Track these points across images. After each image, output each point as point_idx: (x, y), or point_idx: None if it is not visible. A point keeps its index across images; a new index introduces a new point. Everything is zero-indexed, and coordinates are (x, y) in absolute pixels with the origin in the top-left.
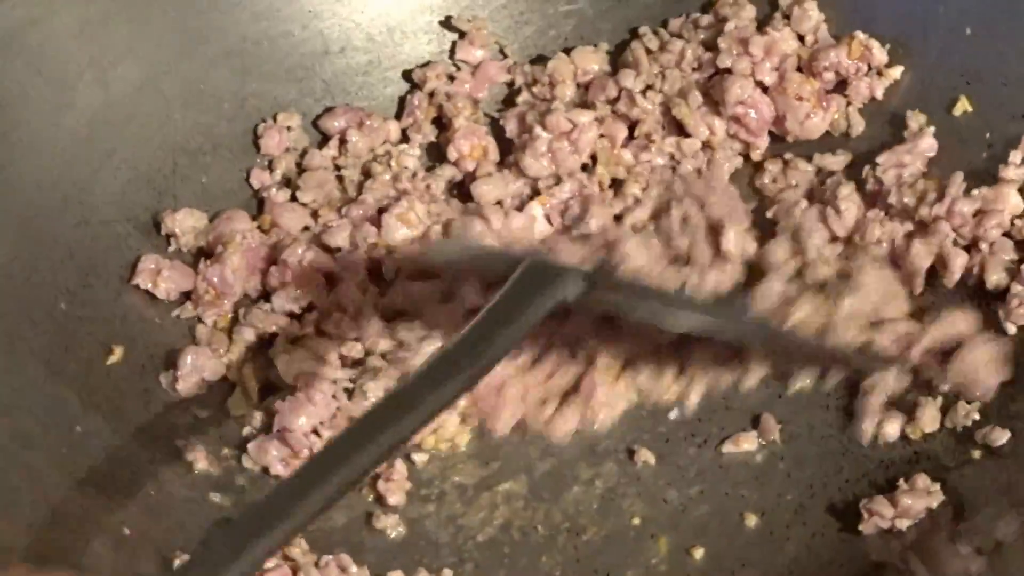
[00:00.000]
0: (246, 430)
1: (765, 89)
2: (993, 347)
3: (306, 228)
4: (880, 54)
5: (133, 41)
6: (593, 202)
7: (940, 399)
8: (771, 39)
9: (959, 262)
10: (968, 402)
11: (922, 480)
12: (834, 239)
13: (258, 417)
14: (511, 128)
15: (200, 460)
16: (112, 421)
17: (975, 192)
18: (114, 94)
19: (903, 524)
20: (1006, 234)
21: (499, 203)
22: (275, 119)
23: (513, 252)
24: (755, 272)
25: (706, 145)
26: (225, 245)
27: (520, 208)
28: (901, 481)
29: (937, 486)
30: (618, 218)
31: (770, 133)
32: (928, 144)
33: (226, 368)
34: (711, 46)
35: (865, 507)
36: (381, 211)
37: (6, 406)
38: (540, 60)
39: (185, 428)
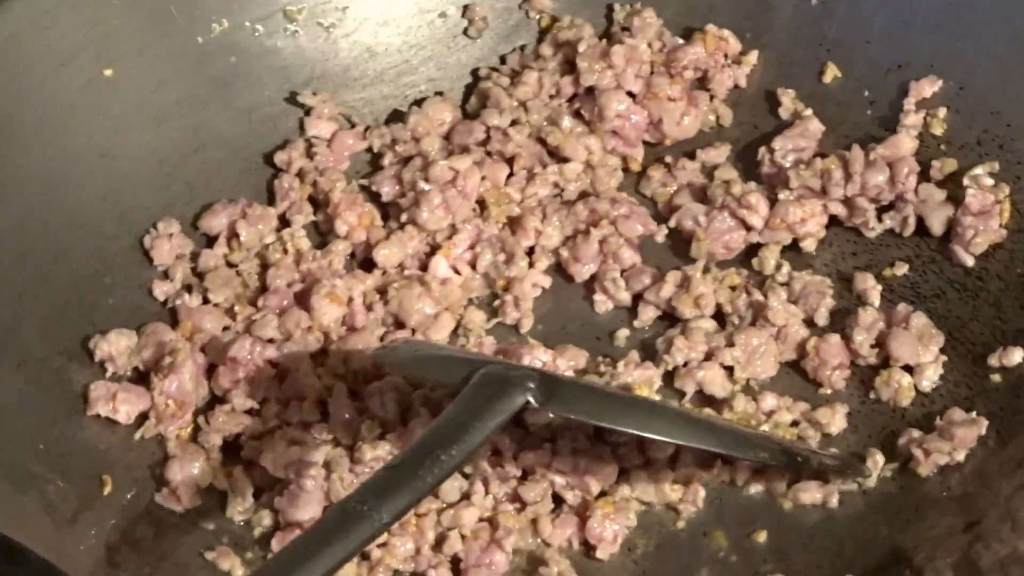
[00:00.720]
0: (257, 531)
1: (633, 98)
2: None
3: (227, 328)
4: (735, 43)
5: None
6: (509, 246)
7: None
8: (630, 47)
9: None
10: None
11: (958, 413)
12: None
13: (265, 515)
14: (387, 190)
15: (237, 568)
16: (136, 552)
17: (873, 155)
18: None
19: (960, 455)
20: (925, 177)
21: (400, 265)
22: (156, 228)
23: (467, 357)
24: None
25: (586, 165)
26: (173, 355)
27: (424, 265)
28: (938, 420)
29: (973, 414)
30: (529, 252)
31: (643, 141)
32: (816, 126)
33: (213, 476)
34: (564, 71)
35: (921, 448)
36: (299, 295)
37: None
38: (393, 119)
39: (205, 543)
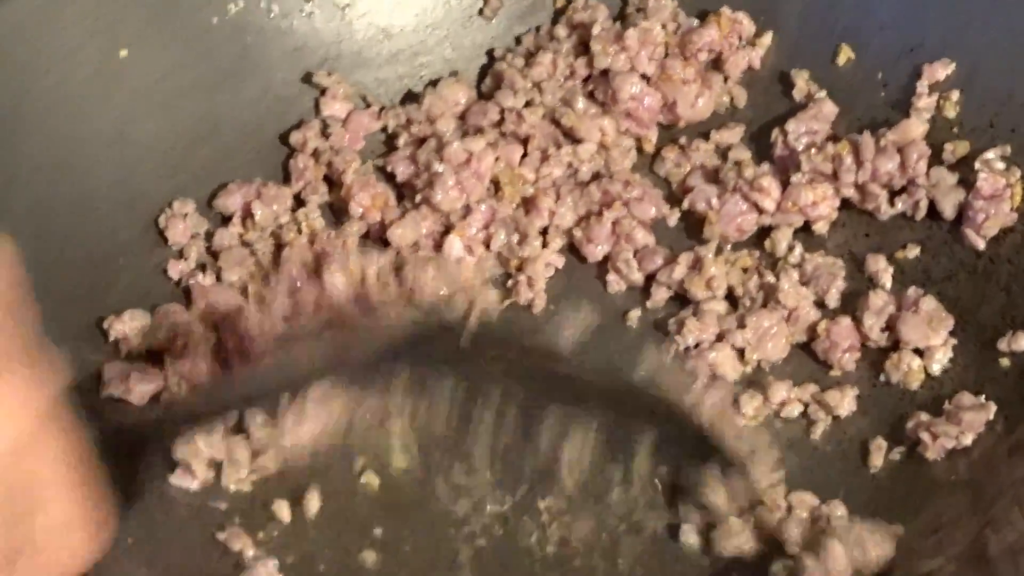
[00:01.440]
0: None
1: (647, 80)
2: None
3: (240, 307)
4: (749, 25)
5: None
6: (523, 227)
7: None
8: (643, 29)
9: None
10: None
11: (967, 397)
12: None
13: None
14: (401, 171)
15: (248, 548)
16: (156, 532)
17: (883, 141)
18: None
19: (968, 439)
20: (937, 160)
21: (415, 244)
22: (171, 208)
23: None
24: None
25: (600, 146)
26: (187, 335)
27: (438, 246)
28: (947, 403)
29: (982, 398)
30: (543, 232)
31: (657, 123)
32: (829, 108)
33: None
34: (578, 52)
35: (929, 431)
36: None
37: None
38: (408, 100)
39: (215, 523)
